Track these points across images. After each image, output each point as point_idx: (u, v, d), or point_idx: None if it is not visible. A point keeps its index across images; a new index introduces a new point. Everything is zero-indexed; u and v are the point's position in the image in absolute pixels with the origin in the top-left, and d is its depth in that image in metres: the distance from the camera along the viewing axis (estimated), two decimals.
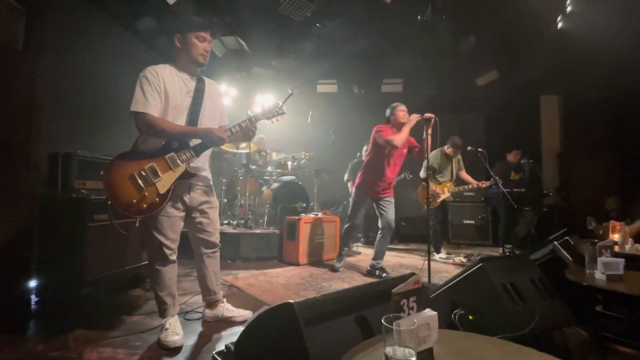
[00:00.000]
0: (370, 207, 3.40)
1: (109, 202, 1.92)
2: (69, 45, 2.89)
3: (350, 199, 3.46)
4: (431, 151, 2.95)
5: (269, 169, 4.94)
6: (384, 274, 3.23)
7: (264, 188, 4.68)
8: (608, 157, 5.09)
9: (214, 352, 1.36)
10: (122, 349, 1.65)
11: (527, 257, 1.83)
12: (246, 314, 2.07)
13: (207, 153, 1.89)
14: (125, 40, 3.81)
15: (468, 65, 5.38)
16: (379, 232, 3.29)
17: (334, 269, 3.45)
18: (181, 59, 1.80)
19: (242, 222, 4.27)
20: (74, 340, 1.71)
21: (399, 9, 4.13)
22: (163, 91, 1.69)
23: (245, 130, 1.85)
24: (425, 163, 4.33)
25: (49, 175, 2.24)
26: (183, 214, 1.84)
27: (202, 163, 1.87)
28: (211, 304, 2.05)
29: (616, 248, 2.37)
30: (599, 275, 1.66)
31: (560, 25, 4.34)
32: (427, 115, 2.86)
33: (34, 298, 2.18)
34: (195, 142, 1.76)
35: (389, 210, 3.21)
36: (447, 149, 4.33)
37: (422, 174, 4.21)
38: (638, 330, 1.51)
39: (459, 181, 4.37)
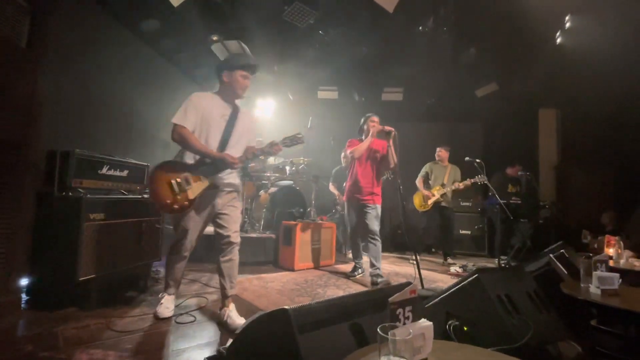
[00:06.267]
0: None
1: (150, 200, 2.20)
2: (72, 44, 2.90)
3: (345, 207, 3.66)
4: (395, 162, 3.17)
5: (267, 173, 4.94)
6: (380, 280, 3.21)
7: (262, 192, 4.68)
8: (605, 171, 5.12)
9: (205, 358, 1.35)
10: (112, 350, 1.63)
11: (523, 269, 1.83)
12: (239, 324, 2.02)
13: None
14: (128, 41, 3.83)
15: (468, 76, 5.43)
16: (368, 240, 3.32)
17: (346, 276, 3.56)
18: (225, 91, 2.17)
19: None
20: (64, 341, 1.69)
21: (402, 19, 4.18)
22: (200, 113, 2.05)
23: (266, 154, 2.18)
24: (422, 172, 4.65)
25: (46, 173, 2.23)
26: (207, 219, 2.15)
27: (228, 175, 2.15)
28: (222, 300, 2.16)
29: (611, 262, 2.38)
30: (594, 289, 1.66)
31: (559, 40, 4.41)
32: (387, 128, 3.10)
33: (24, 297, 2.16)
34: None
35: (369, 218, 3.28)
36: (436, 154, 4.74)
37: (417, 181, 4.68)
38: (632, 346, 1.51)
39: (455, 192, 4.59)
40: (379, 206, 3.33)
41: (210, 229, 2.23)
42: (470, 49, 4.81)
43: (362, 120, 3.45)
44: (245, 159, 2.14)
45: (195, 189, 2.00)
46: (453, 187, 4.49)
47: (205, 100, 2.09)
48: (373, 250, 3.26)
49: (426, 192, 4.56)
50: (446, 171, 4.63)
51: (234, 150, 2.13)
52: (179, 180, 1.98)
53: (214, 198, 2.11)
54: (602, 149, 5.13)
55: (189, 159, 2.06)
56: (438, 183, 4.57)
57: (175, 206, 1.95)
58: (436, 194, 4.49)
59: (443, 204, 4.55)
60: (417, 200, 4.68)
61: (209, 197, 2.08)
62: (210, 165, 2.06)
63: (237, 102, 2.23)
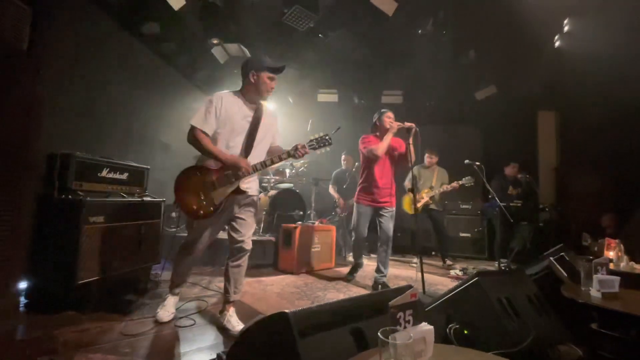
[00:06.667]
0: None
1: (177, 206, 2.15)
2: (73, 46, 2.90)
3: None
4: (414, 160, 3.03)
5: (267, 176, 4.94)
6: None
7: (261, 195, 4.67)
8: (604, 173, 5.13)
9: None
10: (112, 354, 1.62)
11: (523, 272, 1.83)
12: (239, 329, 2.02)
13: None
14: (129, 44, 3.83)
15: (467, 79, 5.45)
16: (379, 245, 3.17)
17: (345, 279, 3.47)
18: (249, 91, 2.08)
19: None
20: (63, 345, 1.68)
21: (401, 22, 4.20)
22: (222, 115, 1.98)
23: (291, 157, 2.06)
24: (410, 174, 4.58)
25: (46, 175, 2.23)
26: (224, 222, 2.11)
27: (248, 179, 2.06)
28: (223, 304, 2.15)
29: (611, 265, 2.38)
30: (595, 292, 1.66)
31: (557, 43, 4.43)
32: (408, 124, 2.95)
33: (23, 300, 2.15)
34: (250, 162, 1.99)
35: (387, 222, 3.14)
36: (425, 159, 4.74)
37: (407, 183, 4.64)
38: (633, 349, 1.50)
39: (443, 194, 4.60)
40: (394, 209, 3.19)
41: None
42: (469, 51, 4.83)
43: (376, 115, 3.26)
44: (264, 165, 2.01)
45: (220, 193, 1.95)
46: (441, 190, 4.50)
47: (226, 101, 2.01)
48: (383, 256, 3.13)
49: (417, 197, 4.54)
50: (433, 174, 4.66)
51: (257, 153, 2.07)
52: (204, 185, 1.94)
53: (233, 201, 2.05)
54: (602, 151, 5.13)
55: (212, 163, 2.00)
56: (426, 186, 4.61)
57: (201, 212, 1.93)
58: (425, 196, 4.51)
59: (432, 206, 4.57)
60: (406, 204, 4.70)
61: (229, 201, 2.02)
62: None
63: (261, 102, 2.16)
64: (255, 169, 1.99)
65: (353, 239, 3.42)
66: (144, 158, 3.52)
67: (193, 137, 1.95)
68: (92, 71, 3.19)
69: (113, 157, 2.59)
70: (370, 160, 3.17)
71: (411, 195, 4.52)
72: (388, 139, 3.05)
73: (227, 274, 2.12)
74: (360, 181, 3.30)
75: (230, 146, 2.01)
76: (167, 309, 2.11)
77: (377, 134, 3.22)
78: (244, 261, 2.14)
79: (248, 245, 2.11)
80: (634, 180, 4.63)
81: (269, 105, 6.05)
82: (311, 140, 2.07)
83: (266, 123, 2.13)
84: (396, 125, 3.02)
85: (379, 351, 0.72)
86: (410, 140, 2.96)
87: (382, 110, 3.25)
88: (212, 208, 1.93)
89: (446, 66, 5.08)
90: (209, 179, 1.95)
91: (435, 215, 4.62)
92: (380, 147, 3.04)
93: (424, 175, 4.70)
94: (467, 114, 6.28)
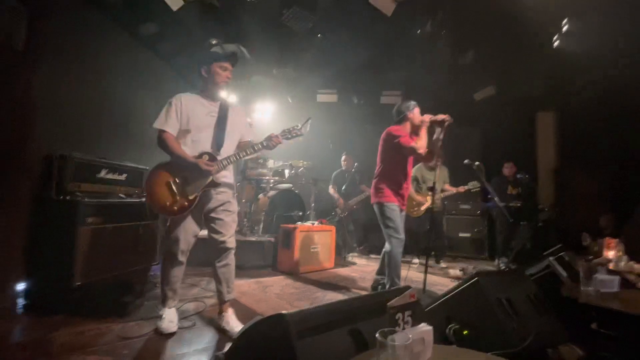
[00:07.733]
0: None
1: (147, 204, 2.12)
2: (69, 47, 2.88)
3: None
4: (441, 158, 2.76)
5: (266, 176, 4.93)
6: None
7: (260, 195, 4.66)
8: (603, 174, 5.13)
9: None
10: (109, 357, 1.61)
11: (523, 272, 1.83)
12: (238, 330, 2.00)
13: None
14: (126, 44, 3.82)
15: (466, 79, 5.45)
16: None
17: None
18: (207, 87, 2.08)
19: (237, 229, 4.23)
20: (60, 347, 1.67)
21: (400, 23, 4.20)
22: (183, 114, 1.99)
23: (265, 147, 2.06)
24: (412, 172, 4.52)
25: (44, 176, 2.22)
26: (199, 218, 2.05)
27: (226, 173, 2.09)
28: (220, 305, 2.11)
29: (611, 265, 2.37)
30: (594, 292, 1.66)
31: (556, 44, 4.43)
32: (441, 116, 2.65)
33: (20, 301, 2.14)
34: (222, 155, 2.01)
35: (402, 223, 2.87)
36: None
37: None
38: (632, 349, 1.49)
39: (445, 197, 4.57)
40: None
41: (205, 232, 2.17)
42: (468, 52, 4.82)
43: (402, 108, 2.87)
44: (237, 158, 2.02)
45: (194, 188, 1.94)
46: (442, 195, 4.43)
47: (186, 101, 2.01)
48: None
49: (420, 198, 4.41)
50: (436, 174, 4.52)
51: (227, 147, 2.07)
52: (177, 180, 1.93)
53: (208, 195, 2.02)
54: (601, 152, 5.14)
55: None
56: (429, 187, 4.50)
57: (175, 207, 1.89)
58: (429, 199, 4.34)
59: (434, 208, 4.46)
60: (409, 204, 4.67)
61: (203, 195, 1.99)
62: (213, 160, 1.98)
63: (226, 98, 2.13)
64: (227, 161, 1.99)
65: (398, 249, 2.72)
66: (143, 158, 3.50)
67: (159, 139, 1.95)
68: (90, 71, 3.18)
69: (112, 158, 2.58)
70: (400, 157, 2.77)
71: (416, 198, 4.36)
72: (424, 134, 2.68)
73: (217, 275, 2.08)
74: (383, 178, 2.82)
75: (194, 141, 2.00)
76: (169, 320, 1.96)
77: (408, 131, 2.83)
78: (231, 259, 2.11)
79: (231, 244, 2.09)
80: (633, 181, 4.63)
81: (266, 105, 6.07)
82: (284, 131, 2.12)
83: (233, 118, 2.12)
84: (428, 118, 2.68)
85: (377, 352, 0.71)
86: (441, 136, 2.67)
87: (410, 102, 2.89)
88: (186, 203, 1.91)
89: (445, 67, 5.08)
90: (182, 173, 1.94)
91: (435, 217, 4.55)
92: (421, 144, 2.62)
93: (426, 175, 4.60)
94: (466, 115, 6.26)
